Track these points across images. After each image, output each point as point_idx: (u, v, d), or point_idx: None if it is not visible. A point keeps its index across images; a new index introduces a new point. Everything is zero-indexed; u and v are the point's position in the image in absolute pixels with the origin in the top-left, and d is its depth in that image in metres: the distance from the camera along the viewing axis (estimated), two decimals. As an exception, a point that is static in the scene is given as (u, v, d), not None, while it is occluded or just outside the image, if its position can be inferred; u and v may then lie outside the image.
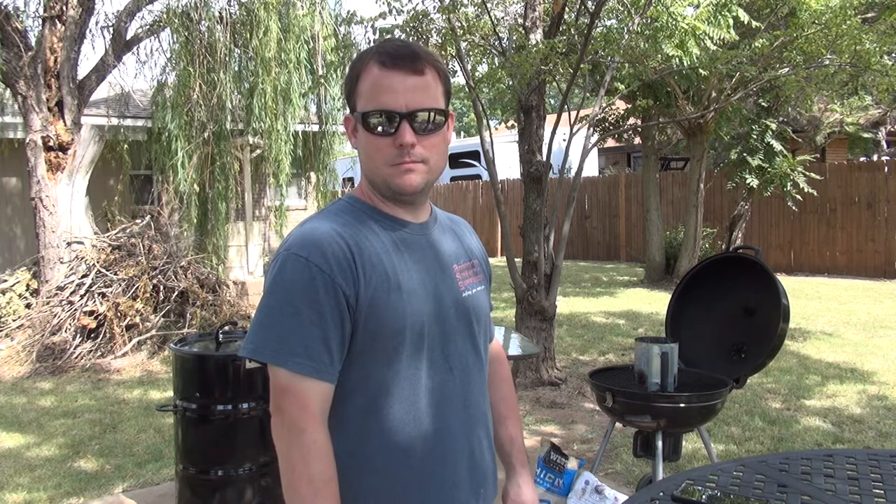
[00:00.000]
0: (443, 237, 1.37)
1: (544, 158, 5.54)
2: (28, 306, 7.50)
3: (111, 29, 8.60)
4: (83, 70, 8.25)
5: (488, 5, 6.13)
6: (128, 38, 8.65)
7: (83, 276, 6.98)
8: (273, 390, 1.20)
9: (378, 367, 1.23)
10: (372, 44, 6.02)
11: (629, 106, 10.78)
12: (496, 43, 6.08)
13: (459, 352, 1.32)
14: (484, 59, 6.78)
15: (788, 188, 10.96)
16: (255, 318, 1.22)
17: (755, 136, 10.76)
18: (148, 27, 8.95)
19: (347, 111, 1.33)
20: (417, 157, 1.24)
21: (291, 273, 1.19)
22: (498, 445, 1.49)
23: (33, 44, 7.85)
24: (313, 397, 1.18)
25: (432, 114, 1.24)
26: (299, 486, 1.17)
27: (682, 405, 2.80)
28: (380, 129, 1.23)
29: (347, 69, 1.33)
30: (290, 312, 1.18)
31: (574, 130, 5.87)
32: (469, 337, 1.34)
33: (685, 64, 5.64)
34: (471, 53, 6.50)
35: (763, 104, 10.79)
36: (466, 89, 6.20)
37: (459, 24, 5.65)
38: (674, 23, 5.40)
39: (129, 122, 10.22)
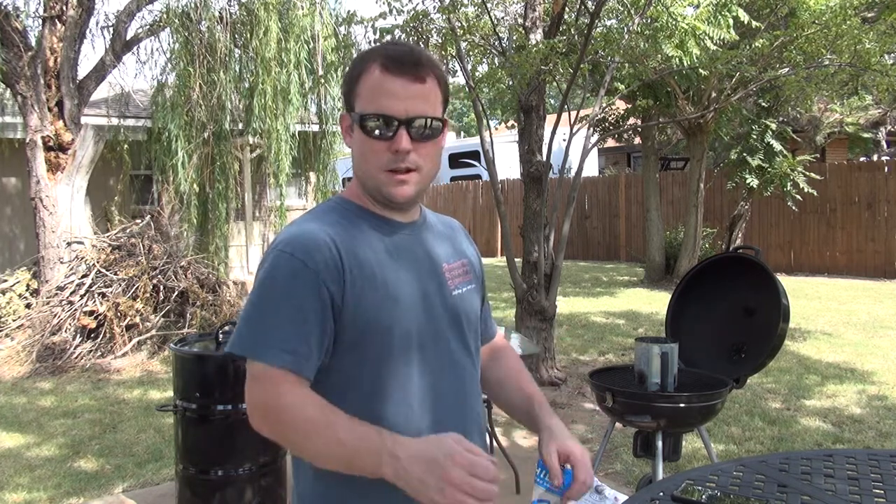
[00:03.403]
0: (432, 237, 1.38)
1: (544, 158, 5.54)
2: (28, 306, 7.50)
3: (111, 29, 8.60)
4: (83, 70, 8.25)
5: (488, 5, 6.13)
6: (128, 38, 8.64)
7: (83, 276, 6.98)
8: (249, 383, 1.19)
9: (368, 367, 1.23)
10: (372, 44, 6.05)
11: (629, 106, 10.79)
12: (496, 43, 6.08)
13: (450, 351, 1.32)
14: (484, 59, 6.78)
15: (788, 188, 10.96)
16: (241, 314, 1.23)
17: (755, 136, 10.76)
18: (148, 27, 8.94)
19: (345, 109, 1.33)
20: (412, 163, 1.24)
21: (276, 269, 1.20)
22: (516, 407, 1.44)
23: (33, 44, 7.85)
24: (287, 386, 1.17)
25: (430, 121, 1.25)
26: (312, 435, 1.15)
27: (682, 405, 2.79)
28: (377, 132, 1.23)
29: (348, 67, 1.32)
30: (272, 307, 1.19)
31: (574, 130, 5.87)
32: (459, 337, 1.34)
33: (685, 64, 5.64)
34: (471, 53, 6.50)
35: (763, 104, 10.79)
36: (466, 89, 6.20)
37: (459, 24, 5.65)
38: (674, 23, 5.40)
39: (129, 122, 10.20)
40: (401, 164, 1.23)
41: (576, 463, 1.28)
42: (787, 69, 6.80)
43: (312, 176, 11.19)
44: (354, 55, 9.00)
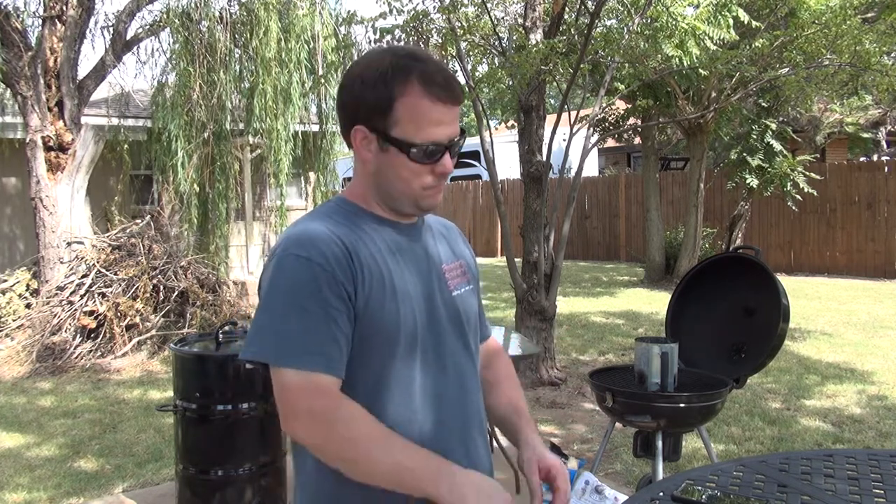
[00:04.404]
0: (431, 239, 1.39)
1: (544, 158, 5.54)
2: (28, 306, 7.50)
3: (111, 29, 8.60)
4: (83, 70, 8.25)
5: (488, 5, 6.13)
6: (128, 38, 8.64)
7: (83, 276, 6.98)
8: (287, 393, 1.16)
9: (372, 367, 1.23)
10: (372, 44, 6.04)
11: (629, 106, 10.79)
12: (496, 43, 6.08)
13: (451, 351, 1.32)
14: (484, 59, 6.78)
15: (788, 188, 10.97)
16: (259, 321, 1.19)
17: (755, 136, 10.77)
18: (148, 27, 8.94)
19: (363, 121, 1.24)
20: (446, 178, 1.29)
21: (293, 273, 1.18)
22: (499, 413, 1.45)
23: (33, 44, 7.85)
24: (332, 386, 1.17)
25: (461, 138, 1.28)
26: (370, 452, 1.14)
27: (682, 405, 2.79)
28: (424, 159, 1.24)
29: (375, 78, 1.22)
30: (298, 312, 1.16)
31: (574, 130, 5.87)
32: (460, 337, 1.35)
33: (685, 64, 5.64)
34: (471, 53, 6.50)
35: (763, 104, 10.79)
36: (466, 89, 6.20)
37: (459, 24, 5.65)
38: (674, 23, 5.41)
39: (129, 122, 10.20)
40: (442, 182, 1.27)
41: (557, 474, 1.31)
42: (787, 69, 6.80)
43: (312, 176, 11.19)
44: (355, 55, 9.04)
